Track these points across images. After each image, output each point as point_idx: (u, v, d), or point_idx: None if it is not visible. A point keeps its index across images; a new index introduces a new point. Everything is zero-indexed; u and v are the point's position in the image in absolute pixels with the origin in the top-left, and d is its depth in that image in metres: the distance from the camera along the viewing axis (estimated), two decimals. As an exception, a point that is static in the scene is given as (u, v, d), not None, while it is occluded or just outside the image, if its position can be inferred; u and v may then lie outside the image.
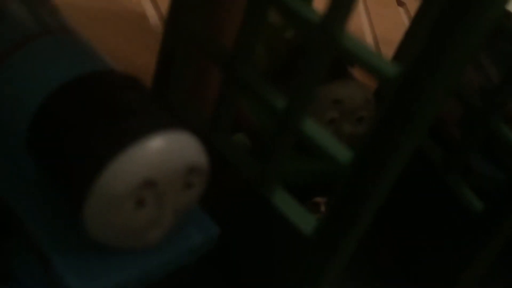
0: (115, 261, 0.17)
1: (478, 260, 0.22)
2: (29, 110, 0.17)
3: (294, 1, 0.17)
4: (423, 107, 0.14)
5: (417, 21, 0.28)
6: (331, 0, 0.16)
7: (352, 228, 0.17)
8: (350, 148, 0.17)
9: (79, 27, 0.21)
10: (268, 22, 0.26)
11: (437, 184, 0.24)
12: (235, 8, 0.22)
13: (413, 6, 0.55)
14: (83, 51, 0.19)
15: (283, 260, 0.21)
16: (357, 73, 0.25)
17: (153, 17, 0.39)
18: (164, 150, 0.15)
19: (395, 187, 0.18)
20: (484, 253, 0.21)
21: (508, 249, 0.23)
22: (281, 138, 0.19)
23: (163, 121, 0.16)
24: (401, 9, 0.55)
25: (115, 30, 0.36)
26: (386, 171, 0.15)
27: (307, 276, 0.19)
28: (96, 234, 0.16)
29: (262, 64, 0.26)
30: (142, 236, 0.17)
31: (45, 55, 0.18)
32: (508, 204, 0.21)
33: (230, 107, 0.20)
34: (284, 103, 0.18)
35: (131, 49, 0.35)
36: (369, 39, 0.49)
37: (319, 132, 0.18)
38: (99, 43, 0.21)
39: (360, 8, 0.52)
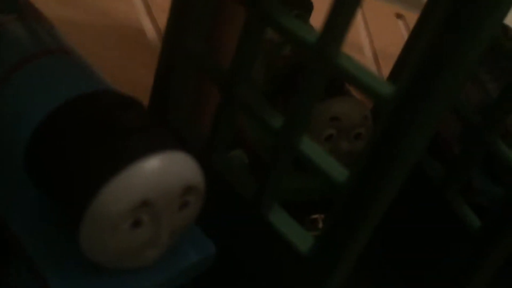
0: (111, 281, 0.17)
1: (476, 278, 0.22)
2: (28, 129, 0.17)
3: (290, 22, 0.17)
4: (420, 127, 0.14)
5: (415, 35, 0.28)
6: (326, 20, 0.16)
7: (349, 247, 0.17)
8: (347, 167, 0.17)
9: (76, 43, 0.21)
10: (266, 39, 0.26)
11: (435, 201, 0.24)
12: (233, 27, 0.22)
13: (412, 19, 0.55)
14: (81, 70, 0.19)
15: (281, 279, 0.21)
16: (355, 90, 0.25)
17: (151, 32, 0.39)
18: (160, 171, 0.16)
19: (394, 203, 0.17)
20: (482, 271, 0.21)
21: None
22: (279, 157, 0.19)
23: (160, 142, 0.16)
24: (400, 22, 0.55)
25: (113, 46, 0.36)
26: (383, 191, 0.15)
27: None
28: (93, 253, 0.16)
29: (260, 80, 0.26)
30: (139, 255, 0.17)
31: (44, 75, 0.18)
32: (506, 221, 0.21)
33: (227, 125, 0.20)
34: (282, 122, 0.18)
35: (128, 64, 0.35)
36: (367, 52, 0.50)
37: (316, 150, 0.18)
38: (96, 59, 0.21)
39: (358, 22, 0.52)
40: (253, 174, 0.21)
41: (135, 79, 0.32)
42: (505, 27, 0.36)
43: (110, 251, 0.16)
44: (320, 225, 0.27)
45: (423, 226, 0.26)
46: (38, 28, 0.20)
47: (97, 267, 0.17)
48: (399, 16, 0.56)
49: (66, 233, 0.17)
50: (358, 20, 0.53)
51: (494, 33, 0.13)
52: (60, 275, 0.17)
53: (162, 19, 0.24)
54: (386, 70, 0.43)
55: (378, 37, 0.51)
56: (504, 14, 0.13)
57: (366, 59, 0.49)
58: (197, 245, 0.19)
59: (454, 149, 0.28)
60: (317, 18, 0.16)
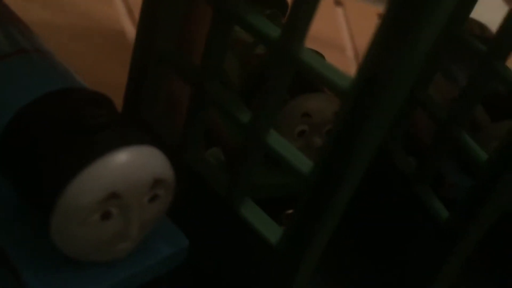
0: (84, 274, 0.17)
1: (446, 268, 0.22)
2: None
3: (255, 19, 0.17)
4: (377, 117, 0.15)
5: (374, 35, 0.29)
6: (288, 16, 0.16)
7: (316, 237, 0.17)
8: (311, 159, 0.18)
9: (56, 45, 0.21)
10: (240, 38, 0.26)
11: (406, 194, 0.25)
12: (204, 25, 0.22)
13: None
14: (54, 70, 0.20)
15: (254, 271, 0.21)
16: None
17: (131, 33, 0.40)
18: (128, 164, 0.16)
19: (365, 196, 0.18)
20: (450, 262, 0.22)
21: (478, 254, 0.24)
22: (249, 151, 0.19)
23: (128, 136, 0.16)
24: (382, 23, 0.56)
25: (93, 47, 0.37)
26: (345, 180, 0.16)
27: (276, 285, 0.19)
28: (64, 246, 0.16)
29: (236, 78, 0.27)
30: (110, 248, 0.17)
31: (16, 73, 0.19)
32: (472, 212, 0.21)
33: (199, 121, 0.21)
34: (250, 117, 0.19)
35: (109, 66, 0.35)
36: (349, 53, 0.50)
37: (283, 144, 0.18)
38: (76, 61, 0.21)
39: (341, 21, 0.53)
40: (228, 171, 0.21)
41: (116, 80, 0.32)
42: (482, 25, 0.37)
43: (81, 244, 0.16)
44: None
45: (394, 219, 0.26)
46: (12, 28, 0.21)
47: (70, 260, 0.17)
48: (381, 16, 0.56)
49: (38, 227, 0.17)
50: (340, 21, 0.53)
51: (453, 30, 0.13)
52: (33, 268, 0.17)
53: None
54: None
55: (360, 37, 0.52)
56: (450, 10, 0.13)
57: (348, 59, 0.49)
58: (170, 238, 0.19)
59: (427, 143, 0.28)
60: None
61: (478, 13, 0.29)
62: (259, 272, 0.21)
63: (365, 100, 0.14)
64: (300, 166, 0.17)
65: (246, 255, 0.21)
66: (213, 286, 0.23)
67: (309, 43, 0.17)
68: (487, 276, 0.29)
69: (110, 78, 0.34)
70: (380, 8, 0.57)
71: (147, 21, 0.21)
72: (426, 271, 0.23)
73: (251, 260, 0.21)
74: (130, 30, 0.40)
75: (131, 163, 0.16)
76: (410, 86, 0.14)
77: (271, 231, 0.19)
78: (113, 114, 0.17)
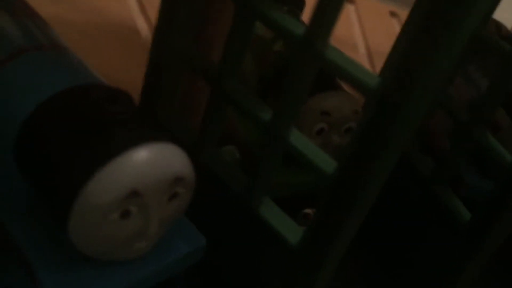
0: (101, 273, 0.17)
1: (466, 271, 0.22)
2: (17, 123, 0.17)
3: (278, 15, 0.17)
4: (405, 117, 0.14)
5: (404, 33, 0.28)
6: (314, 12, 0.16)
7: (337, 238, 0.17)
8: (335, 158, 0.17)
9: (70, 42, 0.21)
10: (258, 35, 0.26)
11: (425, 195, 0.25)
12: (222, 23, 0.22)
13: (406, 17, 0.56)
14: (72, 65, 0.19)
15: (271, 271, 0.21)
16: (346, 85, 0.26)
17: (145, 31, 0.39)
18: (148, 161, 0.16)
19: (384, 198, 0.18)
20: (472, 264, 0.22)
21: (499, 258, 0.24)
22: (269, 150, 0.19)
23: (148, 133, 0.16)
24: (394, 21, 0.56)
25: (106, 45, 0.36)
26: (370, 180, 0.16)
27: (295, 286, 0.19)
28: (82, 245, 0.16)
29: (253, 76, 0.26)
30: (129, 247, 0.17)
31: (34, 69, 0.18)
32: (494, 214, 0.21)
33: (217, 120, 0.20)
34: (271, 115, 0.18)
35: (122, 64, 0.35)
36: (362, 51, 0.50)
37: (305, 143, 0.18)
38: (90, 58, 0.21)
39: (353, 20, 0.52)
40: (244, 169, 0.21)
41: (129, 78, 0.32)
42: (498, 24, 0.37)
43: (99, 242, 0.16)
44: (312, 219, 0.27)
45: (413, 220, 0.26)
46: (30, 24, 0.20)
47: (87, 259, 0.17)
48: (393, 14, 0.56)
49: (56, 227, 0.17)
50: (353, 18, 0.53)
51: (476, 29, 0.13)
52: (49, 268, 0.17)
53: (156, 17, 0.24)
54: (380, 68, 0.44)
55: (372, 35, 0.51)
56: (484, 10, 0.13)
57: (360, 57, 0.49)
58: (187, 237, 0.19)
59: (445, 144, 0.28)
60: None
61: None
62: (276, 272, 0.20)
63: (394, 99, 0.14)
64: (323, 165, 0.17)
65: (263, 255, 0.21)
66: (229, 286, 0.22)
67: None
68: (504, 278, 0.29)
69: (123, 76, 0.33)
70: (392, 6, 0.57)
71: (165, 19, 0.21)
72: (445, 272, 0.23)
73: (268, 260, 0.20)
74: (143, 27, 0.39)
75: (151, 160, 0.16)
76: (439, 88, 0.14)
77: (290, 230, 0.19)
78: (133, 111, 0.17)
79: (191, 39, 0.21)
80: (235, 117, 0.26)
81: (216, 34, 0.23)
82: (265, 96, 0.25)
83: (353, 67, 0.15)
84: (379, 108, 0.14)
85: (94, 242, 0.16)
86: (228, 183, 0.20)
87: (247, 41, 0.18)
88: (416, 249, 0.26)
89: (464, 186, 0.27)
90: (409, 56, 0.13)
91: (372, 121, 0.15)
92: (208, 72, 0.20)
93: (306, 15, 0.28)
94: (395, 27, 0.55)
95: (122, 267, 0.17)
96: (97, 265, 0.17)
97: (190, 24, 0.20)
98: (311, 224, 0.18)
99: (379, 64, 0.48)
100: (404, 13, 0.57)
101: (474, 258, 0.22)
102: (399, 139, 0.14)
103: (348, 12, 0.54)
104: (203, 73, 0.20)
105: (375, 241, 0.27)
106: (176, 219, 0.18)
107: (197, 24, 0.20)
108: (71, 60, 0.20)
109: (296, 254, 0.19)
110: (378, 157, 0.15)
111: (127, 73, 0.33)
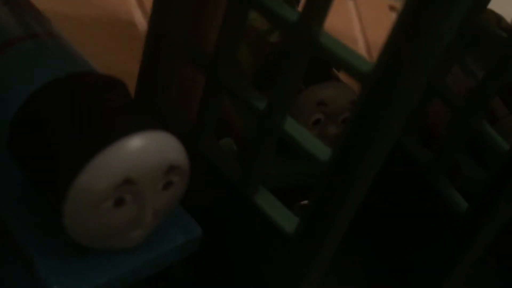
0: (97, 263, 0.17)
1: (463, 260, 0.22)
2: (11, 110, 0.17)
3: (272, 2, 0.17)
4: (397, 101, 0.14)
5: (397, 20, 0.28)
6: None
7: (333, 226, 0.17)
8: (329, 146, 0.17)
9: (66, 34, 0.21)
10: (254, 27, 0.26)
11: (422, 185, 0.25)
12: (217, 13, 0.22)
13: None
14: (67, 54, 0.19)
15: (267, 260, 0.21)
16: (343, 75, 0.26)
17: (142, 24, 0.39)
18: (143, 149, 0.16)
19: (381, 188, 0.17)
20: (469, 253, 0.22)
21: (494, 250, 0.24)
22: (264, 138, 0.19)
23: (142, 121, 0.16)
24: (393, 14, 0.55)
25: (102, 37, 0.36)
26: (365, 167, 0.16)
27: (291, 275, 0.19)
28: (77, 233, 0.16)
29: (249, 68, 0.26)
30: (124, 236, 0.17)
31: (29, 57, 0.18)
32: (491, 204, 0.21)
33: (213, 110, 0.20)
34: (266, 103, 0.18)
35: (119, 56, 0.35)
36: (361, 44, 0.50)
37: (299, 131, 0.18)
38: (87, 51, 0.21)
39: (352, 14, 0.52)
40: (241, 161, 0.21)
41: (126, 70, 0.32)
42: (498, 16, 0.37)
43: (94, 231, 0.16)
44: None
45: (409, 210, 0.26)
46: (25, 13, 0.20)
47: (83, 248, 0.17)
48: (392, 8, 0.56)
49: (51, 215, 0.17)
50: (352, 12, 0.53)
51: (472, 17, 0.13)
52: (46, 257, 0.17)
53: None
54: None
55: (371, 29, 0.51)
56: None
57: (359, 51, 0.49)
58: (184, 227, 0.19)
59: (442, 134, 0.28)
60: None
61: (492, 5, 0.29)
62: (272, 261, 0.20)
63: (387, 84, 0.14)
64: (318, 153, 0.17)
65: (259, 244, 0.21)
66: (225, 275, 0.22)
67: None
68: (501, 269, 0.29)
69: (119, 68, 0.33)
70: (391, 0, 0.57)
71: (160, 8, 0.20)
72: (442, 262, 0.23)
73: (264, 249, 0.20)
74: (140, 20, 0.39)
75: (146, 148, 0.16)
76: (430, 73, 0.14)
77: (286, 219, 0.19)
78: (128, 99, 0.17)
79: (186, 29, 0.21)
80: (232, 110, 0.26)
81: (211, 22, 0.22)
82: (262, 88, 0.25)
83: (346, 53, 0.15)
84: (372, 93, 0.14)
85: (89, 230, 0.16)
86: (225, 172, 0.20)
87: (241, 29, 0.18)
88: (414, 239, 0.26)
89: (461, 176, 0.27)
90: (400, 39, 0.13)
91: (365, 106, 0.15)
92: (202, 61, 0.20)
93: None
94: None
95: (118, 256, 0.17)
96: (94, 254, 0.17)
97: (185, 12, 0.20)
98: (307, 212, 0.18)
99: (378, 58, 0.48)
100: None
101: (471, 247, 0.22)
102: (392, 124, 0.14)
103: (348, 6, 0.53)
104: (198, 63, 0.20)
105: (371, 231, 0.27)
106: (172, 208, 0.18)
107: (191, 13, 0.20)
108: (67, 49, 0.20)
109: (292, 243, 0.18)
110: (371, 143, 0.15)
111: (124, 65, 0.33)
